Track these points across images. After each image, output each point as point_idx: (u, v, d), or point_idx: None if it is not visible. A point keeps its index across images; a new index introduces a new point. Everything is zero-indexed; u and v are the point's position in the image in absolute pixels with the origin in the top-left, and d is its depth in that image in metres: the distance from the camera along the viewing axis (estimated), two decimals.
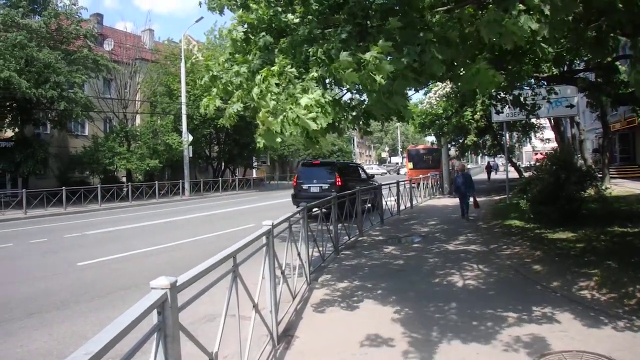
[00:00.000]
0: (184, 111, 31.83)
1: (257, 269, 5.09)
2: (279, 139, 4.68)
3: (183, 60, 32.21)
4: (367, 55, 4.23)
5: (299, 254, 7.20)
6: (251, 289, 4.54)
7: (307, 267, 7.60)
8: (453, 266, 8.73)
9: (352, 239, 11.85)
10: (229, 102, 5.80)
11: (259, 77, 4.88)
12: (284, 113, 4.49)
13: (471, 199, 16.30)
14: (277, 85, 4.75)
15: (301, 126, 4.49)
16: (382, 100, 4.53)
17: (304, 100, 4.46)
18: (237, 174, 43.36)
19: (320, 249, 9.21)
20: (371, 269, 8.77)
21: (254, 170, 49.77)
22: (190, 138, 32.01)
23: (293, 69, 4.83)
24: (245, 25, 5.93)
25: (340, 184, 17.01)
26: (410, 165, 34.12)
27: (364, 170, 20.77)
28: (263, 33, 5.70)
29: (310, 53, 4.91)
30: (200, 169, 40.51)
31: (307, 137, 4.99)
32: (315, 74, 4.80)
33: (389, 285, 7.54)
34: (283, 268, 6.12)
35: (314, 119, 4.43)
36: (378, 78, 4.15)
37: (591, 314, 5.94)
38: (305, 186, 17.74)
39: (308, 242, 7.72)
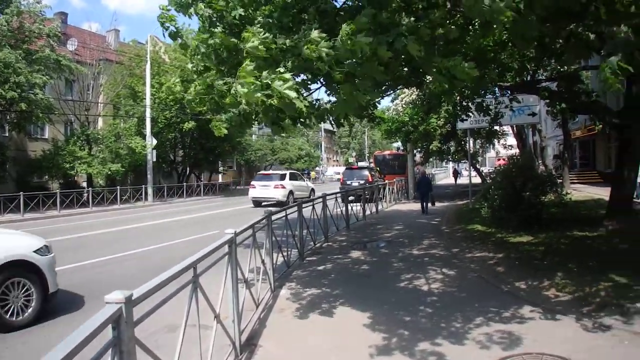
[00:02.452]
0: (148, 114, 31.25)
1: (220, 277, 4.99)
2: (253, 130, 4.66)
3: (149, 62, 31.67)
4: (343, 28, 4.26)
5: (262, 261, 7.10)
6: (213, 298, 4.44)
7: (272, 274, 7.50)
8: (418, 270, 8.78)
9: (318, 245, 11.80)
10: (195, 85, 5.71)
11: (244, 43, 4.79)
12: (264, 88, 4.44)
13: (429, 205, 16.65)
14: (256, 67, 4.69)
15: (281, 100, 4.44)
16: (351, 92, 4.54)
17: (278, 83, 4.44)
18: (202, 179, 42.81)
19: (285, 254, 9.12)
20: (337, 275, 8.73)
21: (220, 175, 49.25)
22: (154, 142, 31.43)
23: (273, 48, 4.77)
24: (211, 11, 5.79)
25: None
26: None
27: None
28: (237, 12, 5.54)
29: (280, 43, 4.83)
30: (164, 173, 39.81)
31: (274, 124, 4.98)
32: (289, 64, 4.75)
33: (355, 291, 7.51)
34: (246, 276, 6.01)
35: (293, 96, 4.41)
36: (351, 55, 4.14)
37: (553, 315, 6.05)
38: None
39: (272, 249, 7.62)
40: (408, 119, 25.71)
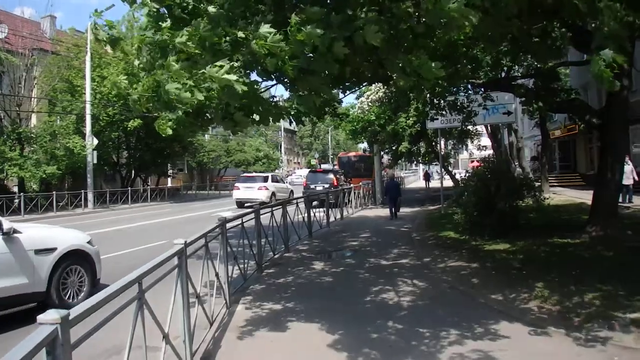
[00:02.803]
0: (88, 111, 30.47)
1: (170, 292, 4.89)
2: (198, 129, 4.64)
3: (89, 53, 30.90)
4: (292, 18, 4.25)
5: (217, 274, 6.98)
6: (162, 316, 4.33)
7: (227, 288, 7.40)
8: (387, 282, 8.80)
9: (278, 255, 11.73)
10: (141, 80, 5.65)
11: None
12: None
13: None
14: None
15: (220, 88, 4.44)
16: (305, 90, 4.53)
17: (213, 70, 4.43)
18: (149, 184, 42.06)
19: (242, 266, 9.02)
20: (298, 288, 8.68)
21: (169, 179, 48.51)
22: (95, 142, 30.67)
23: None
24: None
25: None
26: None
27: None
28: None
29: (229, 34, 4.77)
30: (106, 177, 38.92)
31: (225, 119, 4.95)
32: (236, 63, 4.71)
33: (319, 306, 7.47)
34: (199, 291, 5.89)
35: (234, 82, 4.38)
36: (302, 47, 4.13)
37: (533, 329, 6.10)
38: None
39: (227, 260, 7.51)
40: (374, 118, 25.95)
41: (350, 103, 30.93)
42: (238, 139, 58.00)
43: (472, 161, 63.85)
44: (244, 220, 9.44)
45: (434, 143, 30.26)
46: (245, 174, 35.17)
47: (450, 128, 26.72)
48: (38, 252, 7.39)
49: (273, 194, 29.59)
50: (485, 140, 37.50)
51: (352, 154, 39.85)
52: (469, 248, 11.34)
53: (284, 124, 66.00)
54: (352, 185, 26.28)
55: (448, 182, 34.40)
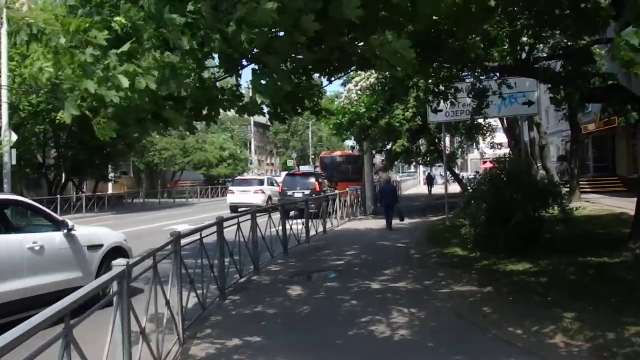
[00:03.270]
0: (4, 98, 29.96)
1: (107, 326, 4.82)
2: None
3: (4, 24, 30.40)
4: None
5: (168, 303, 6.88)
6: (96, 357, 4.23)
7: (180, 321, 7.30)
8: (378, 311, 8.75)
9: (245, 278, 11.66)
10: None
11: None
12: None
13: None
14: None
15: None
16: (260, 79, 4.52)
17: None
18: (84, 190, 41.59)
19: (200, 292, 8.92)
20: (270, 320, 8.61)
21: (110, 185, 48.04)
22: (14, 137, 30.11)
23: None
24: None
25: None
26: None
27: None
28: None
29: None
30: (28, 182, 38.34)
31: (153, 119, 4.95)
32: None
33: (293, 343, 7.40)
34: (144, 324, 5.79)
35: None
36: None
37: None
38: None
39: (181, 285, 7.42)
40: (364, 110, 25.98)
41: (335, 92, 31.04)
42: (198, 136, 57.75)
43: (484, 162, 64.26)
44: (203, 236, 9.34)
45: (437, 140, 30.36)
46: (239, 177, 41.53)
47: (457, 122, 26.77)
48: (90, 248, 9.67)
49: (269, 197, 33.47)
50: (501, 137, 37.67)
51: (337, 153, 39.96)
52: (480, 268, 11.36)
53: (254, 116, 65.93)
54: (337, 191, 26.30)
55: (454, 188, 34.58)
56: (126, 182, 52.58)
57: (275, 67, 4.82)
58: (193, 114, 6.38)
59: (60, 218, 9.47)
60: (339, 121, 27.67)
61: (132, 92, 4.77)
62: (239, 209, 28.28)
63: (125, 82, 4.54)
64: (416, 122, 25.84)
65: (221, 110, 6.47)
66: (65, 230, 9.18)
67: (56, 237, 9.14)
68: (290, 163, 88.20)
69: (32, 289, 8.29)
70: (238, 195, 33.65)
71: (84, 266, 9.39)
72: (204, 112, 6.33)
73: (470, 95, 15.26)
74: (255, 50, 5.09)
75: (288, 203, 19.71)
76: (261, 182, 35.57)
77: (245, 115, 6.99)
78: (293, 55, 5.47)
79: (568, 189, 25.18)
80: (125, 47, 4.62)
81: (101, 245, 9.94)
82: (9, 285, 8.04)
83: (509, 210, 12.05)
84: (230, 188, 35.80)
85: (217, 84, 6.59)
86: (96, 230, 10.81)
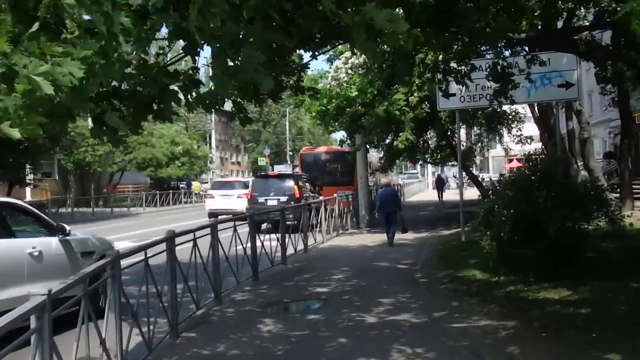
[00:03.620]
0: None
1: None
2: None
3: None
4: None
5: (103, 342, 6.81)
6: None
7: None
8: (374, 351, 8.73)
9: (203, 309, 11.60)
10: None
11: None
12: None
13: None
14: None
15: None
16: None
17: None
18: None
19: (146, 329, 8.83)
20: None
21: (29, 190, 47.63)
22: None
23: None
24: None
25: None
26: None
27: None
28: None
29: None
30: None
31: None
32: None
33: None
34: None
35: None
36: None
37: None
38: None
39: (120, 319, 7.35)
40: (357, 93, 25.90)
41: (319, 70, 30.56)
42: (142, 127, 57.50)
43: (510, 160, 64.63)
44: (148, 255, 9.24)
45: (449, 133, 30.41)
46: (220, 180, 43.02)
47: (475, 109, 26.80)
48: (83, 254, 10.90)
49: None
50: (530, 129, 37.73)
51: (322, 149, 40.02)
52: (504, 296, 11.36)
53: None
54: (322, 197, 26.23)
55: (472, 193, 34.62)
56: (49, 187, 52.21)
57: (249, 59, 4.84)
58: (138, 112, 6.36)
59: (55, 223, 10.84)
60: (323, 107, 27.55)
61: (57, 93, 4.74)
62: (220, 217, 28.02)
63: (48, 88, 4.48)
64: (423, 109, 25.59)
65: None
66: (60, 236, 10.57)
67: (53, 243, 10.48)
68: (262, 162, 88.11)
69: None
70: (219, 200, 35.34)
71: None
72: (154, 107, 6.33)
73: (489, 78, 15.27)
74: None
75: (259, 213, 19.51)
76: (246, 186, 36.08)
77: (201, 110, 7.00)
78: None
79: (618, 195, 25.11)
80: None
81: (93, 252, 11.25)
82: (10, 292, 8.87)
83: (542, 221, 12.06)
84: (210, 192, 38.15)
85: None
86: (87, 236, 12.34)
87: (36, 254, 9.81)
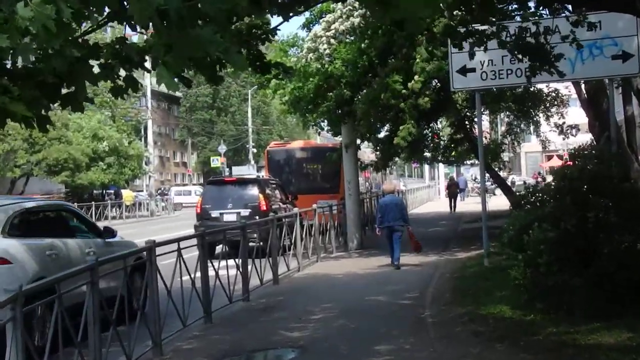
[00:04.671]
0: None
1: None
2: None
3: None
4: None
5: None
6: None
7: None
8: None
9: None
10: None
11: None
12: None
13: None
14: None
15: None
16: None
17: None
18: None
19: None
20: None
21: None
22: None
23: None
24: None
25: None
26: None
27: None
28: None
29: None
30: None
31: None
32: None
33: None
34: None
35: None
36: None
37: None
38: None
39: None
40: (343, 69, 25.83)
41: (290, 35, 29.01)
42: (54, 116, 57.15)
43: (549, 157, 64.99)
44: (62, 292, 9.18)
45: (467, 122, 30.42)
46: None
47: (500, 89, 26.70)
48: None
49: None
50: (576, 115, 37.89)
51: (297, 144, 39.92)
52: (543, 340, 11.35)
53: (151, 81, 65.52)
54: (297, 209, 26.15)
55: (498, 202, 34.70)
56: None
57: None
58: (39, 96, 6.31)
59: (100, 226, 14.83)
60: (296, 92, 27.38)
61: None
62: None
63: None
64: (429, 94, 25.16)
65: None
66: (106, 239, 14.84)
67: (100, 245, 14.63)
68: (216, 163, 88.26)
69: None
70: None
71: (119, 275, 12.26)
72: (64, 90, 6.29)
73: (515, 50, 15.15)
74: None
75: (212, 232, 19.36)
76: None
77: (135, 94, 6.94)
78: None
79: None
80: None
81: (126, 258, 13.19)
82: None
83: (593, 241, 12.05)
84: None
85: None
86: (125, 240, 16.53)
87: (92, 254, 12.39)
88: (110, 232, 15.40)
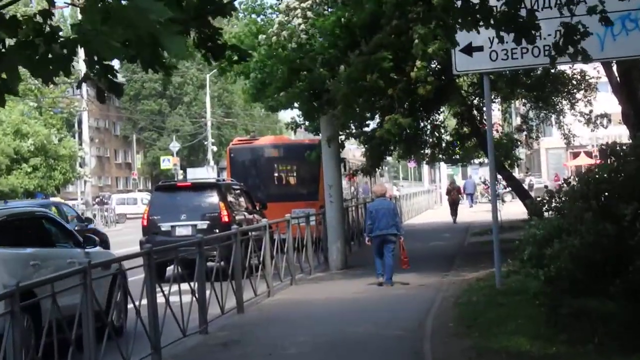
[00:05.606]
0: None
1: None
2: None
3: None
4: None
5: None
6: None
7: None
8: None
9: None
10: None
11: None
12: None
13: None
14: None
15: None
16: None
17: None
18: None
19: None
20: None
21: None
22: None
23: None
24: None
25: None
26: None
27: None
28: None
29: None
30: None
31: None
32: None
33: None
34: None
35: None
36: None
37: None
38: None
39: None
40: (321, 44, 25.81)
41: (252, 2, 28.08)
42: None
43: (575, 154, 65.22)
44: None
45: (475, 112, 30.47)
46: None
47: (516, 71, 26.69)
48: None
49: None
50: (607, 102, 37.96)
51: (266, 140, 40.01)
52: None
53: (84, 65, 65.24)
54: (266, 221, 26.13)
55: (512, 208, 34.73)
56: None
57: None
58: None
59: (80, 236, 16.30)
60: (259, 75, 27.28)
61: None
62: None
63: None
64: (430, 83, 24.98)
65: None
66: (85, 249, 16.05)
67: (80, 255, 15.68)
68: (167, 164, 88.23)
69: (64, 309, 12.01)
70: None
71: (99, 288, 13.69)
72: None
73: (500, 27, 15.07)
74: None
75: (161, 249, 19.23)
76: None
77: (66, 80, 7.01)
78: None
79: None
80: None
81: (109, 267, 15.21)
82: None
83: (627, 256, 12.07)
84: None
85: None
86: (104, 250, 17.27)
87: (73, 265, 14.18)
88: (91, 242, 16.67)
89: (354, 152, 38.57)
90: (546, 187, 32.02)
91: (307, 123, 31.01)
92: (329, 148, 28.86)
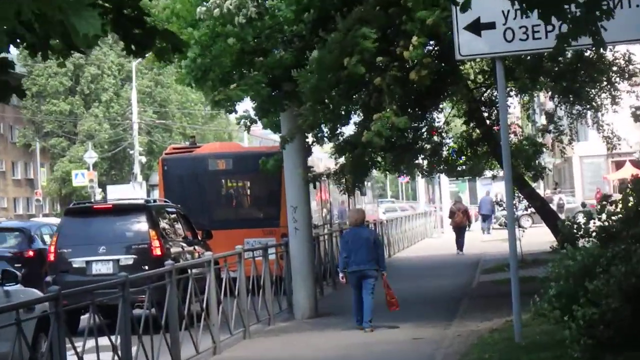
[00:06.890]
0: None
1: None
2: None
3: None
4: None
5: None
6: None
7: None
8: None
9: None
10: None
11: None
12: None
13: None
14: None
15: None
16: None
17: None
18: None
19: None
20: None
21: None
22: None
23: None
24: None
25: None
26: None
27: None
28: None
29: None
30: None
31: None
32: None
33: None
34: None
35: None
36: None
37: None
38: None
39: None
40: (284, 19, 25.85)
41: None
42: None
43: (618, 164, 65.70)
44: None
45: (484, 108, 30.55)
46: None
47: (538, 54, 26.57)
48: (27, 311, 15.10)
49: None
50: None
51: (210, 147, 40.16)
52: None
53: None
54: (212, 254, 26.05)
55: (536, 236, 34.86)
56: None
57: None
58: None
59: None
60: (198, 55, 27.22)
61: None
62: None
63: None
64: (428, 67, 24.82)
65: None
66: (5, 286, 15.60)
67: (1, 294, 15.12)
68: (81, 180, 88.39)
69: None
70: None
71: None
72: None
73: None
74: None
75: (73, 292, 19.08)
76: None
77: None
78: None
79: None
80: None
81: (34, 309, 15.95)
82: None
83: None
84: None
85: None
86: (26, 289, 17.71)
87: None
88: (12, 278, 16.65)
89: (325, 162, 38.34)
90: (584, 204, 31.91)
91: (258, 116, 30.56)
92: (293, 157, 28.53)
